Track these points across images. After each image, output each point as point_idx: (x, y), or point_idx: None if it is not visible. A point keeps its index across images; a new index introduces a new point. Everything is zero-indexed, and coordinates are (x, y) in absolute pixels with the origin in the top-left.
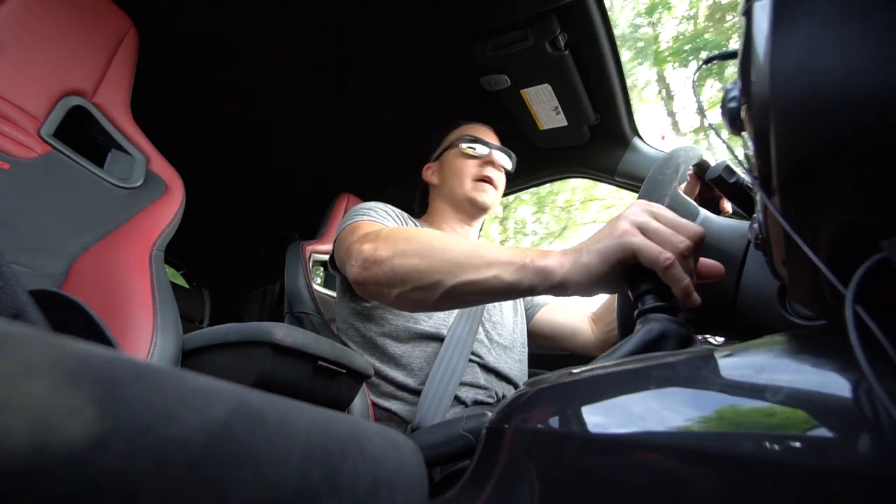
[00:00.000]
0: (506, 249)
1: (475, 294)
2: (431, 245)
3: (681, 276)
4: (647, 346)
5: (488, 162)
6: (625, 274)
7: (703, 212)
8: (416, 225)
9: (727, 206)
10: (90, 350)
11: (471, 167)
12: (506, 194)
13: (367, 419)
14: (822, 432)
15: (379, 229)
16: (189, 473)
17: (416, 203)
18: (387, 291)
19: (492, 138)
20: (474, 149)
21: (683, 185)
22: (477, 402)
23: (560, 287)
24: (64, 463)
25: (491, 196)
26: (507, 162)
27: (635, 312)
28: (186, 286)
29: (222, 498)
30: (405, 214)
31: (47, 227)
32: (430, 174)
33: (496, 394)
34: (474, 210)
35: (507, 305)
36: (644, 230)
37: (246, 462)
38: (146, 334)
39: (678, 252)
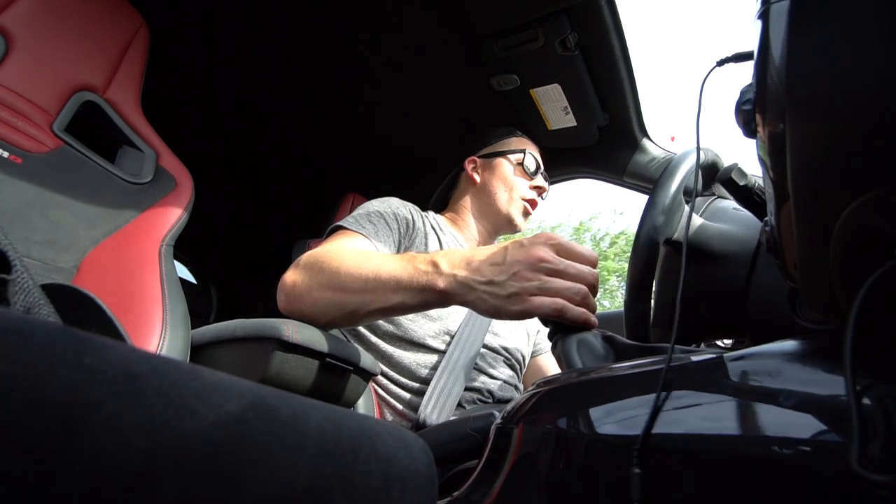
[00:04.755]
0: (404, 267)
1: (391, 314)
2: (339, 274)
3: (576, 315)
4: (577, 360)
5: (539, 187)
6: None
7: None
8: (426, 222)
9: None
10: (109, 344)
11: (524, 186)
12: None
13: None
14: (833, 437)
15: (300, 258)
16: (206, 468)
17: (436, 196)
18: (317, 320)
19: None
20: (531, 167)
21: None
22: (475, 403)
23: (464, 304)
24: (87, 456)
25: (528, 221)
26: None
27: (548, 335)
28: (194, 282)
29: (238, 492)
30: (413, 211)
31: (59, 221)
32: (472, 169)
33: (494, 396)
34: (508, 228)
35: None
36: (539, 289)
37: (261, 458)
38: (155, 329)
39: (577, 296)
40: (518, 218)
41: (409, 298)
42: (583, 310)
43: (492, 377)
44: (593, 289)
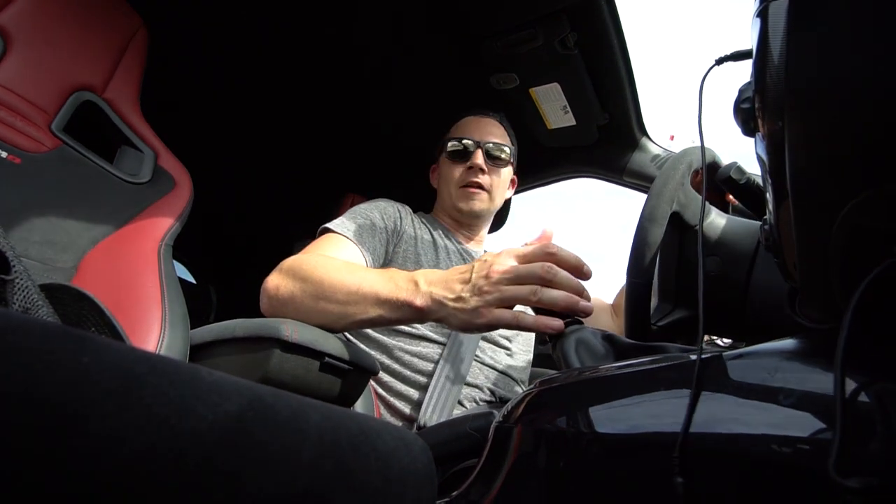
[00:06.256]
0: (385, 283)
1: (370, 326)
2: (322, 286)
3: (552, 297)
4: (576, 359)
5: (474, 166)
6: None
7: (714, 211)
8: (415, 221)
9: (731, 197)
10: (107, 344)
11: (457, 172)
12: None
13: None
14: (830, 436)
15: (283, 263)
16: (205, 468)
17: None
18: (301, 320)
19: (490, 131)
20: (458, 151)
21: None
22: (476, 402)
23: (439, 321)
24: (84, 456)
25: (480, 202)
26: (501, 156)
27: (548, 337)
28: (194, 282)
29: (236, 492)
30: (401, 209)
31: (58, 221)
32: (433, 178)
33: (495, 392)
34: (465, 218)
35: None
36: (500, 299)
37: (260, 457)
38: (154, 329)
39: (537, 283)
40: (462, 204)
41: (387, 312)
42: (536, 318)
43: (492, 367)
44: (543, 281)
